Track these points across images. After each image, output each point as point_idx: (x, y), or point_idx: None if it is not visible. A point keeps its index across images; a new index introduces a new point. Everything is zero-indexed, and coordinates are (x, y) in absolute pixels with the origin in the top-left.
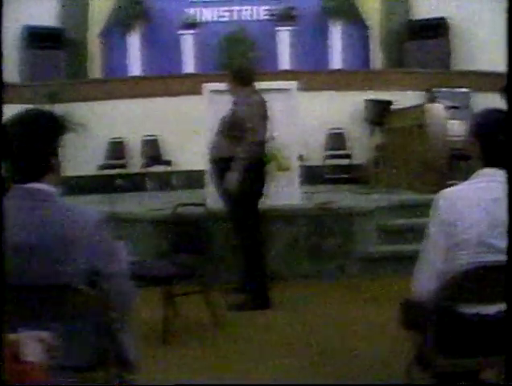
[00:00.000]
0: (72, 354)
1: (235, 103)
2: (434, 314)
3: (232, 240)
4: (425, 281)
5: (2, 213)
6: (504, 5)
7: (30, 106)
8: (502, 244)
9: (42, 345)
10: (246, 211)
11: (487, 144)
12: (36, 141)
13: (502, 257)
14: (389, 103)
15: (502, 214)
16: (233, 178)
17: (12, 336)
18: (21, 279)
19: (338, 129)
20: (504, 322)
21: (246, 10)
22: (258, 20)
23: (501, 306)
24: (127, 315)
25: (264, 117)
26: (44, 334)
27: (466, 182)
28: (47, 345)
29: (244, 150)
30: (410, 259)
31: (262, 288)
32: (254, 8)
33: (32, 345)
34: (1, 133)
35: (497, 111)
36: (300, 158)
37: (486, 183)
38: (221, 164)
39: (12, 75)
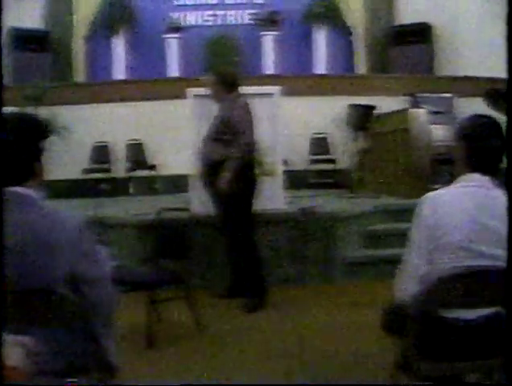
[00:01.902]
0: (54, 359)
1: (222, 108)
2: (416, 319)
3: (224, 245)
4: (407, 285)
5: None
6: (491, 8)
7: (14, 108)
8: (483, 249)
9: (23, 350)
10: (242, 213)
11: (473, 149)
12: (19, 146)
13: (484, 262)
14: (372, 108)
15: (485, 219)
16: (227, 178)
17: None
18: (2, 283)
19: (322, 133)
20: (485, 326)
21: (231, 14)
22: (243, 24)
23: (482, 311)
24: (109, 320)
25: (251, 120)
26: (26, 339)
27: (450, 187)
28: (29, 350)
29: (237, 151)
30: (394, 263)
31: (262, 289)
32: (239, 12)
33: (14, 350)
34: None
35: (484, 116)
36: (284, 162)
37: (470, 188)
38: (213, 168)
39: None
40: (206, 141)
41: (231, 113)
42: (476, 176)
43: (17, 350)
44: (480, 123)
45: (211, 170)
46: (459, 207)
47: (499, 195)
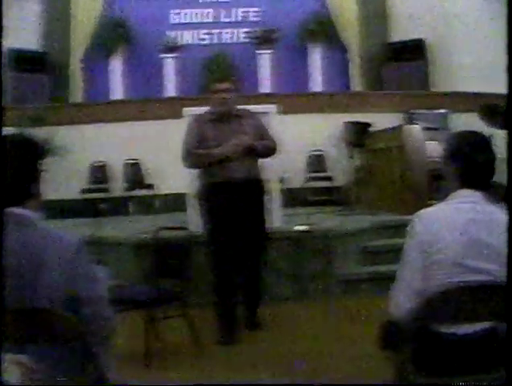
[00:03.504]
0: (52, 377)
1: (239, 118)
2: (411, 334)
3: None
4: (402, 301)
5: None
6: (485, 25)
7: (12, 129)
8: (478, 264)
9: (21, 368)
10: (264, 229)
11: (462, 166)
12: (16, 166)
13: (478, 277)
14: (368, 125)
15: (478, 234)
16: (253, 145)
17: None
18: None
19: (318, 151)
20: (480, 341)
21: (226, 32)
22: (239, 43)
23: (478, 326)
24: (107, 339)
25: None
26: (24, 358)
27: (442, 203)
28: (26, 368)
29: (270, 145)
30: (392, 279)
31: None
32: (235, 31)
33: (12, 368)
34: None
35: (471, 132)
36: (281, 180)
37: (462, 204)
38: (245, 187)
39: None
40: (233, 160)
41: (260, 122)
42: (468, 192)
43: (15, 368)
44: (467, 139)
45: (244, 188)
46: (452, 224)
47: (491, 210)
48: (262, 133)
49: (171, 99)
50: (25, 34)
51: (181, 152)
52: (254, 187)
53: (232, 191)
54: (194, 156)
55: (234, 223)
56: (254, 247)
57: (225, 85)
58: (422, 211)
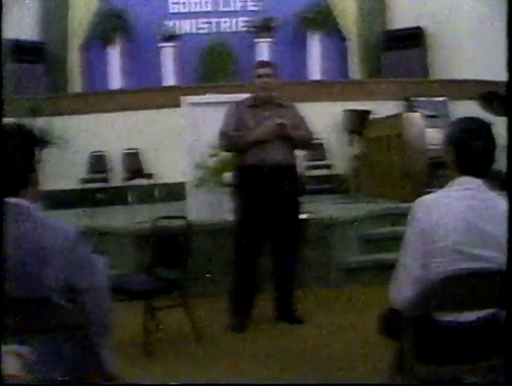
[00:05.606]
0: (51, 368)
1: (279, 106)
2: (411, 322)
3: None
4: (402, 289)
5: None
6: (483, 12)
7: (11, 120)
8: (478, 251)
9: (20, 360)
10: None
11: (462, 152)
12: (11, 156)
13: (478, 265)
14: (367, 113)
15: (478, 222)
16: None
17: None
18: None
19: (318, 139)
20: (481, 328)
21: (225, 21)
22: (237, 32)
23: (478, 314)
24: (106, 329)
25: None
26: (23, 349)
27: (442, 191)
28: (26, 359)
29: (307, 136)
30: (392, 268)
31: None
32: (233, 20)
33: (11, 359)
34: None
35: (472, 119)
36: None
37: (462, 191)
38: (281, 172)
39: None
40: (268, 144)
41: (300, 114)
42: (468, 179)
43: (14, 360)
44: (467, 126)
45: (278, 173)
46: (452, 211)
47: (491, 198)
48: (301, 124)
49: (170, 88)
50: (23, 24)
51: (218, 136)
52: (288, 174)
53: (266, 175)
54: (230, 138)
55: (267, 207)
56: (288, 235)
57: (266, 70)
58: (422, 198)
